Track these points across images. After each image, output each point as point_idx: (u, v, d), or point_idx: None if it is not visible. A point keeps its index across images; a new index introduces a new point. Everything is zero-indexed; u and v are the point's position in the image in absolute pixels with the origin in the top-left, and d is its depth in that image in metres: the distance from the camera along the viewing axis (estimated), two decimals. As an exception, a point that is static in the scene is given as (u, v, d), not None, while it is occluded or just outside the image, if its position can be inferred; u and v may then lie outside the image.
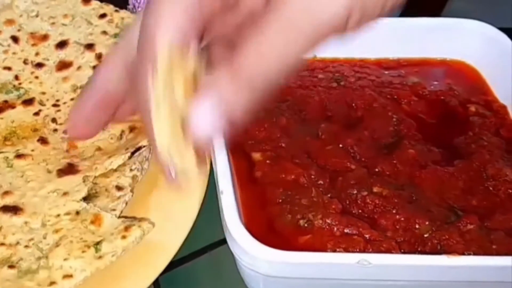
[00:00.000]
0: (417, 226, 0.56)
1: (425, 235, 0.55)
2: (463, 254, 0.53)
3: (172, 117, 0.44)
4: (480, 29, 0.72)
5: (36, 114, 0.64)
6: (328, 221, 0.55)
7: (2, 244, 0.54)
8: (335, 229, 0.55)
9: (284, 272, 0.52)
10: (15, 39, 0.69)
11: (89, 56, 0.67)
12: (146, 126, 0.45)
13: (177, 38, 0.44)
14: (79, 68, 0.66)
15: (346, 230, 0.55)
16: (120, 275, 0.54)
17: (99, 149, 0.60)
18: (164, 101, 0.44)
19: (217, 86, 0.43)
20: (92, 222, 0.54)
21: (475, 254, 0.54)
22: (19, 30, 0.69)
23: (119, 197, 0.58)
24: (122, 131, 0.61)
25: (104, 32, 0.69)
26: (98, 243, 0.53)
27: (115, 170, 0.58)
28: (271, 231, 0.56)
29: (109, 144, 0.60)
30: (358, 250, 0.53)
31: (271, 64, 0.42)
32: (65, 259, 0.52)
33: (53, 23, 0.70)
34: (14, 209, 0.56)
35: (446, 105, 0.68)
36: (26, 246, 0.54)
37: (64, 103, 0.64)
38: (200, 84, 0.44)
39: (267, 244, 0.51)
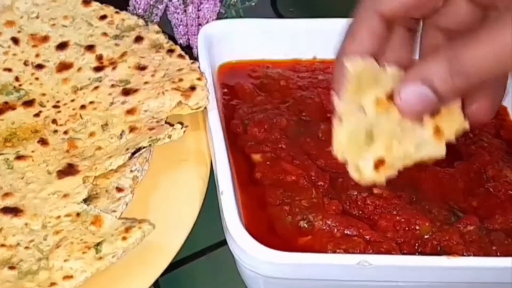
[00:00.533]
0: (417, 227, 0.56)
1: (426, 236, 0.55)
2: (463, 255, 0.53)
3: (354, 131, 0.48)
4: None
5: (37, 115, 0.64)
6: (328, 222, 0.55)
7: (3, 245, 0.54)
8: (335, 230, 0.55)
9: (285, 273, 0.52)
10: (15, 40, 0.69)
11: (90, 58, 0.67)
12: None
13: (366, 59, 0.48)
14: (79, 69, 0.66)
15: (346, 231, 0.55)
16: (120, 276, 0.54)
17: (99, 148, 0.60)
18: (347, 117, 0.48)
19: (430, 69, 0.46)
20: (93, 223, 0.54)
21: (475, 255, 0.54)
22: (19, 32, 0.69)
23: (119, 198, 0.58)
24: (122, 131, 0.61)
25: (105, 34, 0.69)
26: (98, 244, 0.53)
27: (116, 171, 0.58)
28: (271, 232, 0.56)
29: (109, 143, 0.60)
30: (358, 251, 0.53)
31: (489, 61, 0.45)
32: (65, 260, 0.52)
33: (53, 25, 0.70)
34: (14, 211, 0.56)
35: (446, 106, 0.68)
36: (27, 247, 0.54)
37: (64, 104, 0.64)
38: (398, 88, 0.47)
39: (267, 245, 0.51)
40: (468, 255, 0.54)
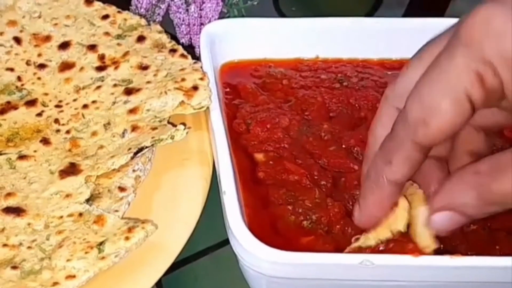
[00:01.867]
0: (420, 226, 0.55)
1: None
2: (466, 254, 0.53)
3: None
4: (483, 29, 0.71)
5: (39, 115, 0.64)
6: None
7: (5, 245, 0.54)
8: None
9: (287, 272, 0.52)
10: (17, 40, 0.69)
11: (92, 57, 0.67)
12: None
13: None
14: (81, 69, 0.66)
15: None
16: (122, 276, 0.54)
17: (101, 147, 0.60)
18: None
19: (460, 199, 0.48)
20: (95, 223, 0.54)
21: (478, 254, 0.54)
22: (21, 31, 0.69)
23: (121, 198, 0.58)
24: (124, 130, 0.61)
25: (107, 33, 0.69)
26: (101, 243, 0.53)
27: (118, 171, 0.58)
28: (274, 232, 0.56)
29: (112, 142, 0.60)
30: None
31: None
32: (68, 260, 0.52)
33: (55, 24, 0.70)
34: (17, 211, 0.56)
35: (449, 106, 0.68)
36: (29, 247, 0.54)
37: (67, 103, 0.64)
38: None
39: (270, 244, 0.51)
40: (471, 255, 0.53)
